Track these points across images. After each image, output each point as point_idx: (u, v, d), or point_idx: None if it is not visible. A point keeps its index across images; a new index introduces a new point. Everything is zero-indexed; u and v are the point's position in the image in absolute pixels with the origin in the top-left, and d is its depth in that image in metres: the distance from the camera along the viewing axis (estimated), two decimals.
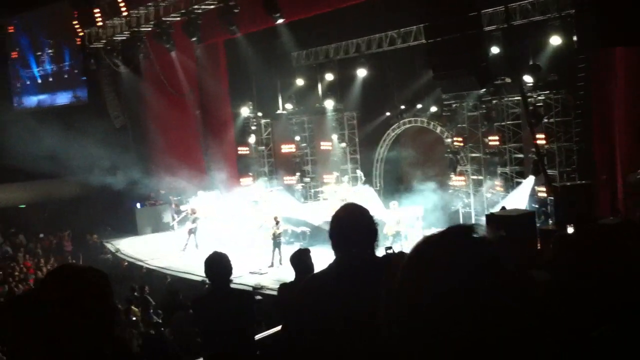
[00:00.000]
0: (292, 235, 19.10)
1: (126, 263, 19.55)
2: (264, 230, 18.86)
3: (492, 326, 1.02)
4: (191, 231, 19.80)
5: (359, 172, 21.65)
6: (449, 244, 1.12)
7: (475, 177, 18.62)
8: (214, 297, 4.94)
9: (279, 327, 5.19)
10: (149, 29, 21.77)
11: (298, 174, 24.15)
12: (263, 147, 25.16)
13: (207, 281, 15.10)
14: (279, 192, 22.17)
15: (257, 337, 5.80)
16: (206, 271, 4.88)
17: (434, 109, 20.10)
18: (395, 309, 1.10)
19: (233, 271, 5.00)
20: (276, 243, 17.08)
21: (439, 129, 19.87)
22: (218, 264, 4.87)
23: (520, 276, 1.09)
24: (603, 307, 1.81)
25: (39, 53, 29.91)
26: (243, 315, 4.77)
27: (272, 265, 16.63)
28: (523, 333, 1.04)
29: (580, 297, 1.88)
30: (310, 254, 5.99)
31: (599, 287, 1.85)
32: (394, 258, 3.76)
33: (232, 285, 5.14)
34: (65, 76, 29.38)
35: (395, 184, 21.32)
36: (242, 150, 25.41)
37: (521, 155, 17.61)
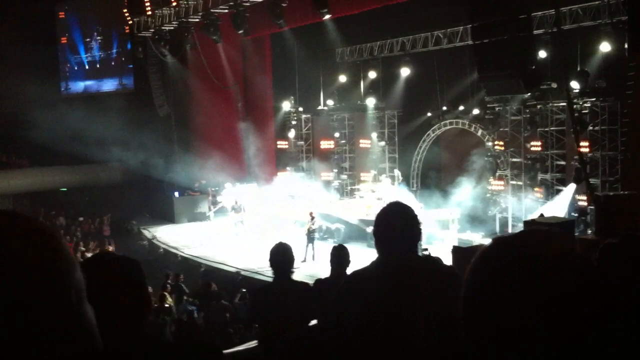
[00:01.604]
0: (326, 231, 19.11)
1: (162, 250, 19.81)
2: (298, 225, 18.92)
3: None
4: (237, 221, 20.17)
5: (397, 172, 21.56)
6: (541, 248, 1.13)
7: (514, 182, 18.38)
8: (276, 287, 5.02)
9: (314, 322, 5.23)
10: (197, 19, 21.99)
11: (335, 170, 24.17)
12: (302, 142, 25.25)
13: (242, 272, 15.23)
14: (316, 188, 22.21)
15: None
16: (270, 260, 4.99)
17: (476, 111, 19.90)
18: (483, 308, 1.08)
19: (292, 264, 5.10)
20: (310, 238, 17.09)
21: (480, 132, 19.67)
22: (282, 255, 4.98)
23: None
24: None
25: (88, 39, 30.50)
26: (302, 306, 4.84)
27: (304, 261, 16.65)
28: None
29: (625, 306, 1.86)
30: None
31: None
32: (437, 261, 3.74)
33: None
34: (113, 63, 29.92)
35: (433, 186, 21.18)
36: (282, 144, 25.54)
37: (563, 163, 17.33)
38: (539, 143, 17.75)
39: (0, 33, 26.16)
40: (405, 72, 21.53)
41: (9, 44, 26.33)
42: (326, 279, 5.95)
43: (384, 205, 2.90)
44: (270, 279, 5.36)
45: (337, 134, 24.27)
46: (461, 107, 20.58)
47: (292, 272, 5.13)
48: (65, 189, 26.79)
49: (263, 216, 20.62)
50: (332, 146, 24.36)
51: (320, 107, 24.57)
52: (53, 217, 24.52)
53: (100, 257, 1.95)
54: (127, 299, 1.76)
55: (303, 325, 4.86)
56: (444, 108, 21.28)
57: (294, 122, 25.23)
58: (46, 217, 24.34)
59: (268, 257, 5.05)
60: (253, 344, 5.38)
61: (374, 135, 23.11)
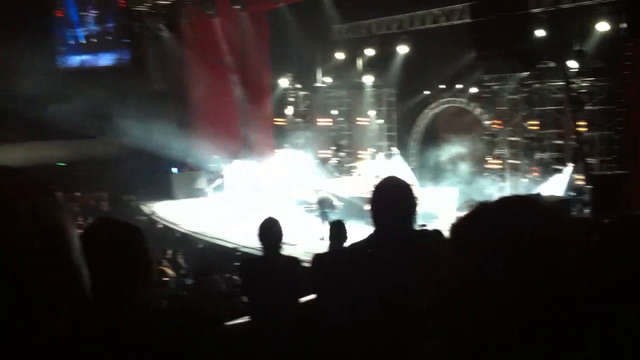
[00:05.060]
0: (320, 207, 19.17)
1: (160, 226, 19.89)
2: (297, 202, 18.99)
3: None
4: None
5: (395, 150, 21.61)
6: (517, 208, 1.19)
7: (511, 161, 18.46)
8: (264, 261, 5.09)
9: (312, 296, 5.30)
10: None
11: (333, 147, 24.20)
12: (300, 119, 25.22)
13: (239, 249, 15.30)
14: (312, 164, 22.25)
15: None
16: (259, 235, 5.04)
17: (473, 90, 19.91)
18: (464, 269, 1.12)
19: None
20: (323, 215, 17.07)
21: (477, 111, 19.70)
22: (270, 229, 5.04)
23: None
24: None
25: (84, 13, 30.22)
26: (290, 280, 4.91)
27: (323, 238, 16.41)
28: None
29: (616, 282, 1.92)
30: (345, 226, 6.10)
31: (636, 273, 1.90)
32: (434, 234, 3.82)
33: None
34: (109, 37, 29.68)
35: (430, 164, 21.25)
36: (279, 121, 25.52)
37: (561, 142, 17.40)
38: (536, 122, 17.81)
39: None
40: (402, 49, 21.45)
41: (1, 18, 26.09)
42: (324, 253, 6.03)
43: (379, 181, 2.91)
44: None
45: (334, 112, 24.24)
46: (459, 86, 20.56)
47: (280, 247, 5.17)
48: (63, 164, 26.77)
49: (261, 193, 20.68)
50: (330, 123, 24.34)
51: (317, 84, 24.51)
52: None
53: (103, 221, 1.99)
54: (127, 264, 1.79)
55: (292, 299, 4.93)
56: (442, 86, 21.26)
57: (291, 99, 25.19)
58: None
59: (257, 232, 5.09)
60: (245, 318, 5.45)
61: (372, 112, 23.11)
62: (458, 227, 1.20)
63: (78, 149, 26.40)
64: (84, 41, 30.24)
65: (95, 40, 30.04)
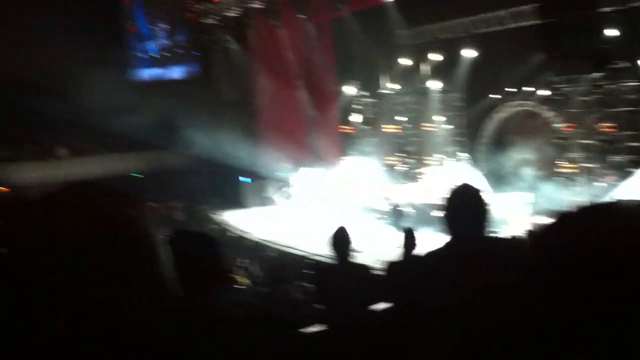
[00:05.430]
0: (390, 215, 19.15)
1: (231, 234, 20.26)
2: (364, 209, 19.02)
3: None
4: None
5: (463, 155, 21.36)
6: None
7: (585, 164, 17.97)
8: (336, 269, 5.17)
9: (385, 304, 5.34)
10: (259, 5, 22.24)
11: (400, 154, 24.11)
12: (366, 126, 25.26)
13: (309, 257, 15.45)
14: (379, 172, 22.25)
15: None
16: (330, 243, 5.12)
17: (543, 92, 19.48)
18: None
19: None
20: (394, 221, 17.15)
21: (548, 114, 19.27)
22: (341, 237, 5.12)
23: None
24: None
25: (154, 27, 31.15)
26: (362, 287, 4.98)
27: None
28: None
29: None
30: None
31: None
32: (510, 241, 3.80)
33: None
34: (179, 50, 30.52)
35: (499, 168, 20.89)
36: (345, 128, 25.63)
37: (636, 144, 16.83)
38: (610, 124, 17.29)
39: (67, 22, 26.88)
40: (468, 53, 21.22)
41: (76, 35, 27.08)
42: (399, 261, 6.08)
43: (452, 187, 2.92)
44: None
45: (401, 118, 24.17)
46: (528, 89, 20.16)
47: (350, 255, 5.23)
48: (140, 175, 27.67)
49: (329, 201, 20.82)
50: (396, 130, 24.28)
51: (383, 91, 24.50)
52: None
53: (184, 231, 2.07)
54: (205, 272, 1.86)
55: (363, 306, 4.98)
56: (510, 90, 20.89)
57: (357, 107, 25.26)
58: None
59: (328, 241, 5.16)
60: (320, 326, 5.53)
61: (439, 118, 22.93)
62: (540, 236, 1.19)
63: (152, 160, 27.25)
64: (156, 55, 31.16)
65: (166, 54, 30.91)
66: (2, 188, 23.33)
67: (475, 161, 21.64)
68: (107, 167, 26.73)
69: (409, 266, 4.98)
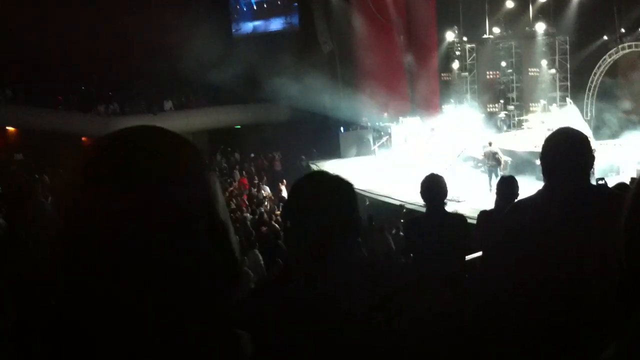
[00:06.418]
0: (492, 164, 18.75)
1: None
2: (461, 158, 18.70)
3: None
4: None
5: (569, 101, 20.43)
6: None
7: None
8: (429, 219, 5.04)
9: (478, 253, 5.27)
10: None
11: (502, 101, 23.39)
12: (467, 73, 24.60)
13: (406, 205, 15.41)
14: (480, 119, 21.72)
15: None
16: (422, 193, 4.97)
17: None
18: None
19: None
20: (490, 169, 16.83)
21: None
22: (434, 186, 4.95)
23: None
24: None
25: None
26: (456, 238, 4.86)
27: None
28: None
29: None
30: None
31: None
32: (613, 189, 3.52)
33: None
34: (279, 2, 30.70)
35: (609, 115, 19.86)
36: (445, 76, 25.08)
37: None
38: None
39: None
40: None
41: None
42: (491, 210, 5.94)
43: (552, 132, 2.73)
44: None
45: (503, 64, 23.35)
46: None
47: (445, 204, 5.07)
48: (239, 127, 28.39)
49: (428, 150, 20.59)
50: (498, 76, 23.51)
51: (485, 36, 23.68)
52: (229, 153, 26.25)
53: (314, 175, 1.97)
54: (339, 219, 1.80)
55: (458, 257, 4.88)
56: (622, 30, 19.63)
57: (457, 53, 24.60)
58: (223, 152, 26.09)
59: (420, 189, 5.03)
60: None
61: (544, 62, 21.95)
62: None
63: (253, 113, 27.87)
64: (256, 7, 31.47)
65: (266, 6, 31.16)
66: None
67: (581, 107, 20.68)
68: (210, 119, 27.61)
69: (500, 215, 4.88)
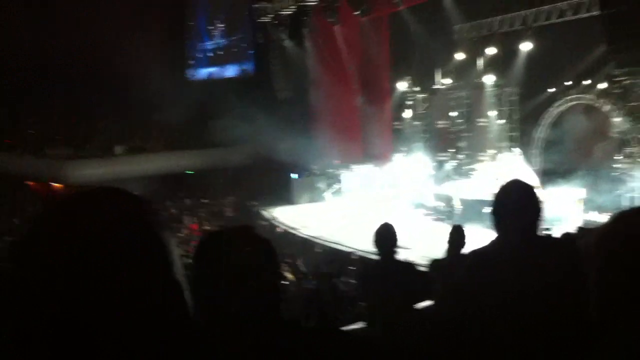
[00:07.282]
0: (441, 212, 18.93)
1: (280, 230, 20.38)
2: (415, 206, 18.85)
3: None
4: None
5: (517, 151, 20.90)
6: None
7: None
8: (380, 266, 5.08)
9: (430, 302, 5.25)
10: (315, 2, 22.24)
11: (452, 150, 23.79)
12: (418, 122, 24.99)
13: (356, 253, 15.39)
14: (430, 168, 22.02)
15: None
16: (374, 240, 5.03)
17: (602, 85, 18.87)
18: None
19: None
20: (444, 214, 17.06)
21: (607, 107, 18.66)
22: (386, 234, 5.02)
23: None
24: None
25: (211, 27, 31.62)
26: (407, 285, 4.88)
27: None
28: None
29: None
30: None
31: None
32: (565, 241, 3.62)
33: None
34: (234, 49, 30.90)
35: (554, 164, 20.34)
36: (398, 125, 25.43)
37: None
38: None
39: (132, 20, 27.36)
40: (526, 47, 20.72)
41: (140, 33, 27.60)
42: (443, 259, 5.96)
43: (503, 183, 2.80)
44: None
45: (453, 113, 23.85)
46: (586, 82, 19.56)
47: (396, 252, 5.12)
48: (191, 172, 28.13)
49: (379, 198, 20.72)
50: (449, 126, 23.96)
51: (436, 86, 24.20)
52: (180, 198, 25.88)
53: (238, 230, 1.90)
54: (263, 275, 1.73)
55: (409, 304, 4.88)
56: (568, 83, 20.32)
57: (410, 102, 25.02)
58: (174, 198, 25.72)
59: (373, 237, 5.07)
60: (362, 324, 5.45)
61: (492, 113, 22.50)
62: (603, 238, 1.11)
63: (206, 157, 27.67)
64: (211, 54, 31.62)
65: (222, 53, 31.34)
66: (59, 185, 24.09)
67: (528, 156, 21.16)
68: (161, 164, 27.25)
69: (454, 265, 4.88)
